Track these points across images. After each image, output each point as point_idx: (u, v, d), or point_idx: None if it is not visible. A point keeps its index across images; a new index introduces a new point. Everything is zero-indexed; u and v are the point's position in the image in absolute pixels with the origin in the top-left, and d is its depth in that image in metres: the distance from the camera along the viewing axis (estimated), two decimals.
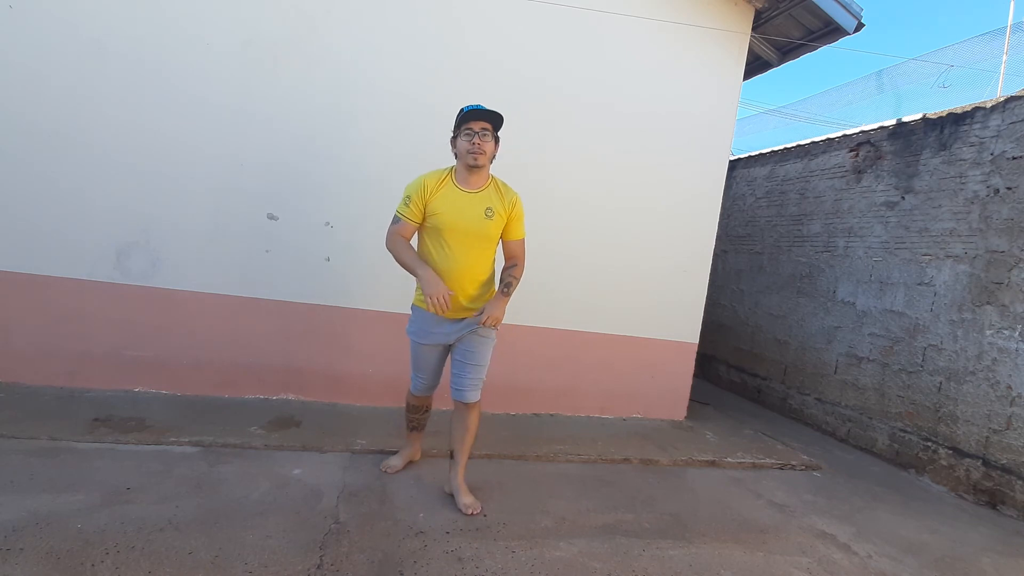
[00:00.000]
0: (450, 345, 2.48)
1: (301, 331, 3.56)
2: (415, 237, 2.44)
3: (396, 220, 2.34)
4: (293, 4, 3.40)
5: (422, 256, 2.38)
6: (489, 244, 2.40)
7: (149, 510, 2.13)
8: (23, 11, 3.07)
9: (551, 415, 4.09)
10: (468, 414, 2.45)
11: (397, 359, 3.65)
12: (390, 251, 2.33)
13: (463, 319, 2.41)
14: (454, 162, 2.41)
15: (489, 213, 2.34)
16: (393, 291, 3.61)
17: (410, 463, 2.85)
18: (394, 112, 3.60)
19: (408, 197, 2.33)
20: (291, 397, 3.58)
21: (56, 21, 3.10)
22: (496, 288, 2.46)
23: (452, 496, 2.51)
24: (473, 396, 2.43)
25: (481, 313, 2.35)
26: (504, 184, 2.44)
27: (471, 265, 2.34)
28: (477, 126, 2.27)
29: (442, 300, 2.16)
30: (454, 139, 2.36)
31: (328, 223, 3.55)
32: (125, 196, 3.26)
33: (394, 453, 2.87)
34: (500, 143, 2.39)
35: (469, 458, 2.57)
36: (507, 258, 2.50)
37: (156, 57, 3.22)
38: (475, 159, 2.28)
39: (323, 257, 3.57)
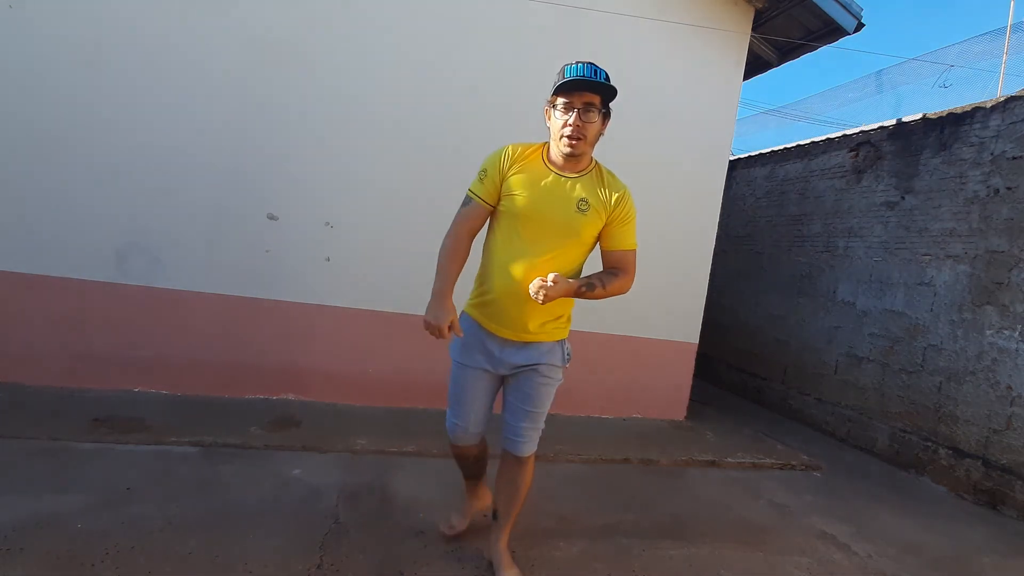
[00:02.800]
0: (502, 378, 1.94)
1: (301, 331, 3.55)
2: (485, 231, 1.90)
3: (466, 201, 1.82)
4: (294, 4, 3.40)
5: (487, 251, 1.86)
6: (576, 247, 1.82)
7: (149, 510, 2.13)
8: (23, 11, 3.06)
9: (551, 415, 4.07)
10: (520, 470, 1.96)
11: (397, 359, 3.66)
12: (440, 250, 1.82)
13: (526, 345, 1.85)
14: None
15: (583, 206, 1.76)
16: (393, 291, 3.61)
17: (477, 511, 2.27)
18: (394, 112, 3.60)
19: (484, 170, 1.78)
20: (291, 397, 3.58)
21: (56, 21, 3.10)
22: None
23: (491, 564, 2.03)
24: (528, 449, 1.95)
25: (549, 350, 1.86)
26: (611, 173, 1.86)
27: (547, 271, 1.70)
28: (579, 100, 1.66)
29: (436, 330, 1.72)
30: (547, 109, 1.78)
31: (328, 223, 3.55)
32: (125, 196, 3.25)
33: (393, 454, 2.66)
34: (611, 118, 1.79)
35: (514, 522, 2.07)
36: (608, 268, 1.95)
37: (156, 57, 3.22)
38: (570, 146, 1.70)
39: (323, 257, 3.57)
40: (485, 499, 2.27)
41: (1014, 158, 3.58)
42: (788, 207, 5.56)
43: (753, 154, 6.28)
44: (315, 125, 3.48)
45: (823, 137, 5.26)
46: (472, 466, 2.14)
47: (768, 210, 5.86)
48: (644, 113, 4.05)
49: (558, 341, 1.91)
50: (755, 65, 4.86)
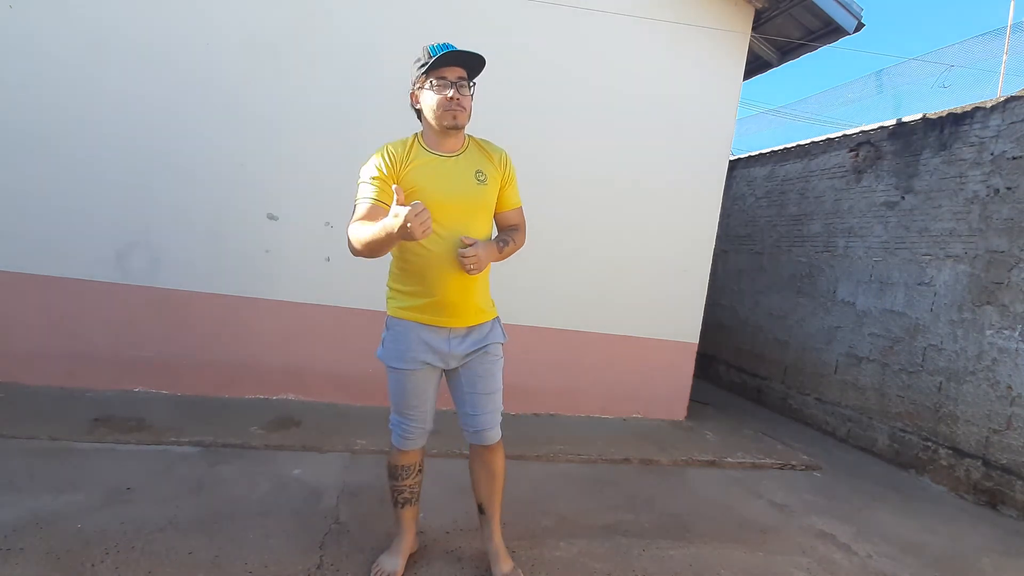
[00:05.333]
0: (446, 371, 1.90)
1: (301, 331, 3.56)
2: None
3: (358, 207, 1.71)
4: (294, 3, 3.40)
5: (405, 251, 1.80)
6: (486, 217, 1.86)
7: (149, 510, 2.13)
8: (23, 11, 3.06)
9: (551, 415, 4.09)
10: (493, 458, 1.94)
11: None
12: (354, 244, 1.65)
13: (470, 330, 1.86)
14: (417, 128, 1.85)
15: (481, 177, 1.80)
16: None
17: (413, 550, 2.09)
18: (395, 112, 3.58)
19: (372, 178, 1.70)
20: (291, 397, 3.58)
21: (56, 21, 3.10)
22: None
23: (488, 561, 2.01)
24: (498, 434, 1.93)
25: (491, 329, 1.88)
26: (486, 141, 1.91)
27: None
28: (452, 74, 1.70)
29: (423, 222, 1.43)
30: (417, 92, 1.77)
31: (328, 223, 3.55)
32: (125, 196, 3.26)
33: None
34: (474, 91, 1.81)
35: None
36: (504, 229, 1.96)
37: (156, 57, 3.22)
38: (454, 118, 1.70)
39: (323, 257, 3.57)
40: (414, 540, 2.09)
41: (1014, 158, 3.58)
42: (788, 207, 5.56)
43: (753, 154, 6.28)
44: (315, 125, 3.48)
45: (823, 137, 5.26)
46: (413, 484, 2.00)
47: (768, 210, 5.86)
48: (644, 113, 4.05)
49: (495, 319, 1.95)
50: (755, 65, 4.86)
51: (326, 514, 2.29)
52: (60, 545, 1.85)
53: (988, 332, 3.61)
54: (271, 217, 3.48)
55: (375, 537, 2.16)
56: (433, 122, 1.74)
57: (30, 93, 3.09)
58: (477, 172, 1.80)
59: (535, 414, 4.05)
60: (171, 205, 3.32)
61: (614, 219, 4.08)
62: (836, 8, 4.01)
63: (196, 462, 2.59)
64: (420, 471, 2.02)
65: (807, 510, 3.05)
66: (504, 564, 1.97)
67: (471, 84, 1.78)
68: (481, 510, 2.01)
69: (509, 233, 1.91)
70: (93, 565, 1.78)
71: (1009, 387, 3.44)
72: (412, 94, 1.80)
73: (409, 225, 1.41)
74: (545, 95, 3.82)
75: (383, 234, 1.51)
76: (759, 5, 4.14)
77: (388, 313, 1.92)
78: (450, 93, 1.68)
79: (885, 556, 2.61)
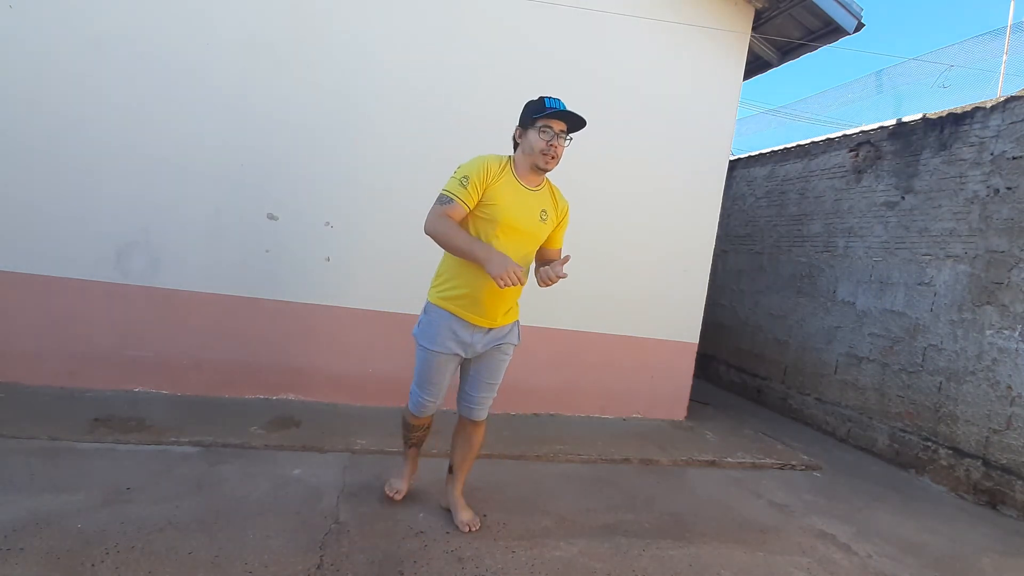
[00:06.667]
0: (465, 358, 2.21)
1: (301, 331, 3.55)
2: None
3: (445, 200, 1.98)
4: (294, 3, 3.40)
5: (453, 266, 2.12)
6: (535, 248, 2.18)
7: (149, 510, 2.13)
8: (23, 11, 3.06)
9: (551, 415, 4.09)
10: (475, 432, 2.30)
11: (397, 359, 3.66)
12: (434, 233, 1.96)
13: (492, 329, 2.15)
14: (511, 152, 2.15)
15: (544, 216, 2.12)
16: (393, 291, 3.61)
17: (414, 477, 2.59)
18: (395, 112, 3.60)
19: (466, 177, 1.98)
20: (291, 397, 3.58)
21: (56, 21, 3.10)
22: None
23: (449, 511, 2.38)
24: (485, 414, 2.29)
25: (509, 331, 2.21)
26: (558, 188, 2.24)
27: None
28: (558, 126, 2.02)
29: (514, 275, 1.83)
30: (523, 130, 2.09)
31: (328, 223, 3.55)
32: (125, 196, 3.25)
33: (394, 454, 2.82)
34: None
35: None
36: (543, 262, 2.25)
37: (156, 57, 3.22)
38: (547, 163, 2.04)
39: (323, 257, 3.57)
40: (416, 469, 2.56)
41: (1014, 158, 3.58)
42: (788, 207, 5.56)
43: (753, 154, 6.28)
44: (315, 125, 3.48)
45: (823, 137, 5.27)
46: (422, 435, 2.42)
47: (768, 210, 5.86)
48: (644, 113, 4.05)
49: (514, 322, 2.27)
50: (755, 65, 4.86)
51: (326, 514, 2.29)
52: (60, 545, 1.85)
53: (988, 332, 3.61)
54: (271, 217, 3.47)
55: (375, 537, 2.16)
56: (528, 159, 2.06)
57: (30, 93, 3.09)
58: (543, 211, 2.12)
59: (535, 414, 4.05)
60: (171, 205, 3.32)
61: (614, 219, 4.08)
62: (836, 8, 4.02)
63: (196, 462, 2.59)
64: (428, 428, 2.43)
65: (807, 510, 3.05)
66: (464, 512, 2.32)
67: (568, 138, 2.08)
68: (451, 470, 2.38)
69: (549, 266, 2.12)
70: (93, 565, 1.78)
71: (1009, 387, 3.44)
72: (517, 130, 2.13)
73: (504, 276, 1.80)
74: (544, 94, 3.81)
75: (471, 253, 1.91)
76: (759, 5, 4.15)
77: (428, 299, 2.19)
78: (552, 141, 2.02)
79: (885, 556, 2.62)
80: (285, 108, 3.43)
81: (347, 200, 3.56)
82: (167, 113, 3.26)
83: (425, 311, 2.18)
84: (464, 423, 2.31)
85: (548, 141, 2.01)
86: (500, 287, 1.84)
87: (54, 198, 3.16)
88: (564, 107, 2.01)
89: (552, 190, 2.20)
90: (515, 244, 2.05)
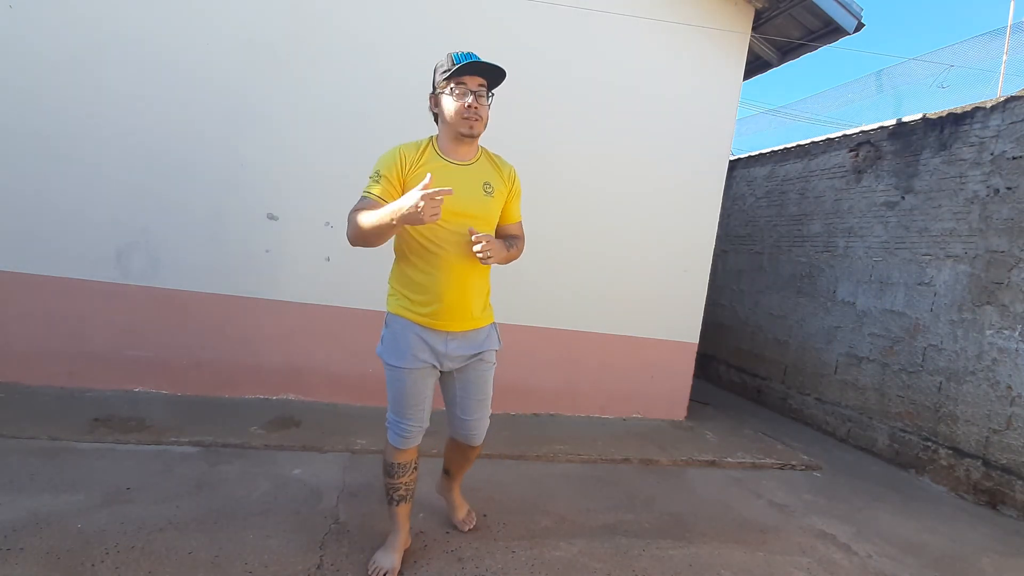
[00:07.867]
0: (441, 372, 1.93)
1: (301, 331, 3.56)
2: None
3: (361, 201, 1.75)
4: (294, 3, 3.40)
5: (410, 253, 1.84)
6: (490, 228, 1.87)
7: (149, 510, 2.13)
8: (23, 11, 3.06)
9: (551, 415, 4.09)
10: (472, 452, 2.12)
11: None
12: (352, 235, 1.70)
13: (467, 334, 1.88)
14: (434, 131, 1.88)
15: (488, 189, 1.83)
16: None
17: (407, 546, 2.07)
18: (395, 112, 3.59)
19: (377, 172, 1.74)
20: (291, 397, 3.58)
21: (56, 21, 3.10)
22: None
23: (446, 504, 2.32)
24: (483, 436, 2.06)
25: (488, 335, 1.95)
26: (497, 156, 1.94)
27: (475, 261, 1.75)
28: (473, 83, 1.73)
29: (434, 203, 1.50)
30: (436, 96, 1.80)
31: (328, 223, 3.55)
32: (125, 196, 3.25)
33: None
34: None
35: None
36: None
37: (156, 58, 3.22)
38: (471, 127, 1.74)
39: (323, 257, 3.57)
40: (408, 537, 2.06)
41: (1014, 158, 3.58)
42: (788, 207, 5.56)
43: (753, 154, 6.28)
44: (315, 125, 3.48)
45: (823, 137, 5.26)
46: (409, 482, 1.98)
47: (768, 210, 5.86)
48: (644, 113, 4.05)
49: (491, 324, 2.00)
50: (755, 65, 4.86)
51: (326, 514, 2.29)
52: (60, 545, 1.85)
53: (988, 332, 3.61)
54: (271, 217, 3.47)
55: (375, 537, 2.16)
56: (450, 128, 1.78)
57: (30, 93, 3.09)
58: (485, 184, 1.84)
59: (535, 414, 4.05)
60: (171, 205, 3.32)
61: (614, 219, 4.08)
62: (836, 8, 4.02)
63: (196, 462, 2.59)
64: (415, 469, 2.01)
65: (807, 510, 3.05)
66: (460, 510, 2.30)
67: (490, 95, 1.79)
68: (447, 474, 2.28)
69: (512, 240, 1.95)
70: (93, 565, 1.78)
71: (1009, 387, 3.44)
72: (432, 97, 1.83)
73: (422, 204, 1.46)
74: (544, 94, 3.82)
75: (388, 218, 1.54)
76: (759, 5, 4.14)
77: (388, 310, 1.94)
78: (469, 101, 1.72)
79: (885, 556, 2.61)
80: (285, 108, 3.43)
81: (347, 200, 3.53)
82: (167, 113, 3.26)
83: (386, 324, 1.92)
84: (460, 446, 2.11)
85: (466, 103, 1.71)
86: (425, 220, 1.49)
87: (54, 198, 3.16)
88: (477, 58, 1.72)
89: (491, 158, 1.91)
90: (461, 228, 1.76)
